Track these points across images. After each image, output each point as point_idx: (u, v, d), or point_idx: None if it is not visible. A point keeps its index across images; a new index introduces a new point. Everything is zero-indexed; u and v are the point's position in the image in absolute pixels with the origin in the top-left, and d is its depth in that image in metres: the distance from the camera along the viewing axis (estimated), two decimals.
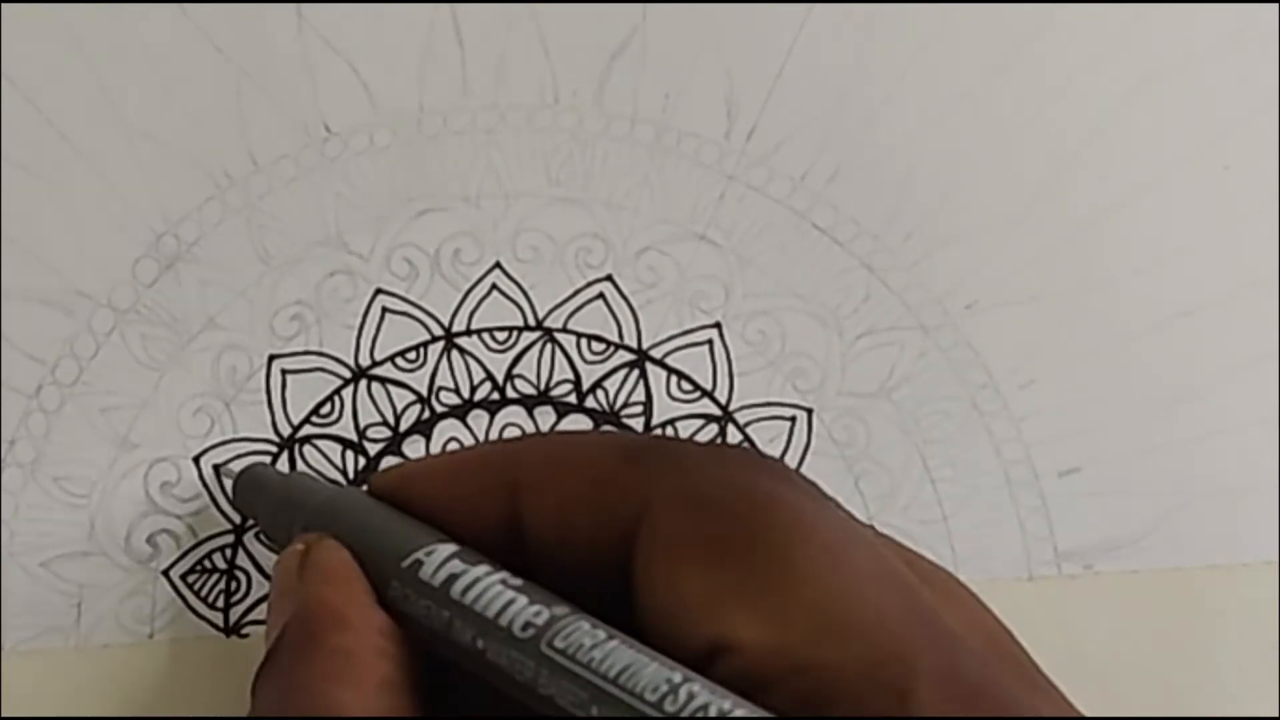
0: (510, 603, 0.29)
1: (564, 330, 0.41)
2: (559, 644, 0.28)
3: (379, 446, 0.40)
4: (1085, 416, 0.42)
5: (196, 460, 0.39)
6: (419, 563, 0.30)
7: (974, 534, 0.41)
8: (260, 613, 0.39)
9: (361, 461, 0.40)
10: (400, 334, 0.40)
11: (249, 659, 0.39)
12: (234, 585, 0.39)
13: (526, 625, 0.28)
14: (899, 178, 0.42)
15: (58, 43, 0.40)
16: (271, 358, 0.40)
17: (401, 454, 0.40)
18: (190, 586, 0.39)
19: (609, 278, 0.41)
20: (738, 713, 0.26)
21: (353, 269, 0.40)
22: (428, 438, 0.40)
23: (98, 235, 0.39)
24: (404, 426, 0.40)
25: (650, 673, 0.27)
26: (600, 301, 0.41)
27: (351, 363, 0.40)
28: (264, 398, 0.40)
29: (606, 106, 0.41)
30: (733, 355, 0.41)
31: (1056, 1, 0.42)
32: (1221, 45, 0.43)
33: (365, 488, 0.34)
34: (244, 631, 0.39)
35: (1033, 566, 0.41)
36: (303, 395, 0.40)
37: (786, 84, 0.42)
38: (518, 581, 0.30)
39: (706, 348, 0.41)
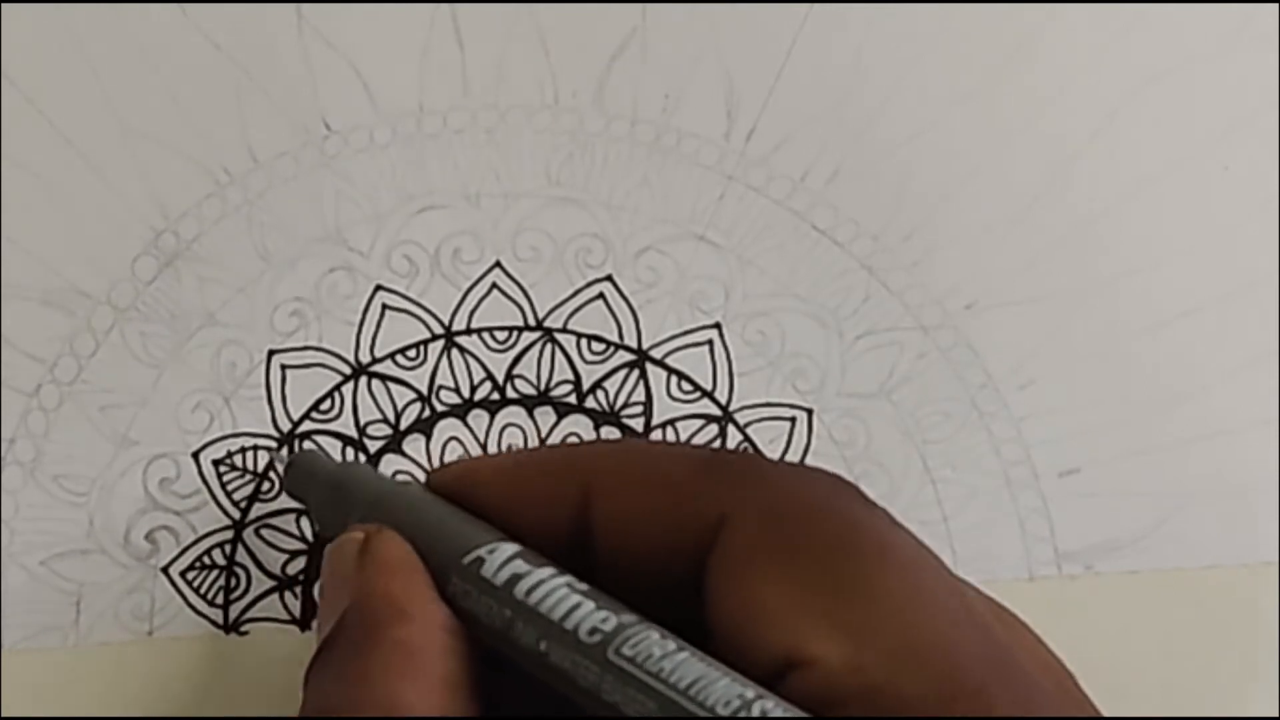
0: (576, 607, 0.28)
1: (564, 330, 0.41)
2: (627, 652, 0.27)
3: (379, 444, 0.40)
4: (1085, 417, 0.42)
5: (196, 456, 0.39)
6: (480, 560, 0.30)
7: (974, 534, 0.41)
8: (259, 609, 0.39)
9: (362, 458, 0.40)
10: (400, 331, 0.40)
11: (248, 656, 0.39)
12: (233, 582, 0.39)
13: (593, 630, 0.28)
14: (899, 178, 0.42)
15: (58, 43, 0.40)
16: (271, 353, 0.40)
17: (402, 452, 0.40)
18: (190, 583, 0.39)
19: (609, 278, 0.41)
20: None
21: (352, 265, 0.40)
22: (428, 436, 0.40)
23: (97, 233, 0.39)
24: (404, 424, 0.40)
25: (722, 687, 0.26)
26: (600, 301, 0.41)
27: (351, 359, 0.40)
28: (264, 393, 0.40)
29: (606, 107, 0.41)
30: (733, 355, 0.41)
31: (1056, 1, 0.42)
32: (1221, 45, 0.43)
33: (424, 482, 0.34)
34: (243, 629, 0.39)
35: (1033, 567, 0.41)
36: (302, 391, 0.40)
37: (786, 84, 0.42)
38: (583, 586, 0.29)
39: (706, 348, 0.41)
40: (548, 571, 0.29)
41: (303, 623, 0.39)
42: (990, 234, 0.42)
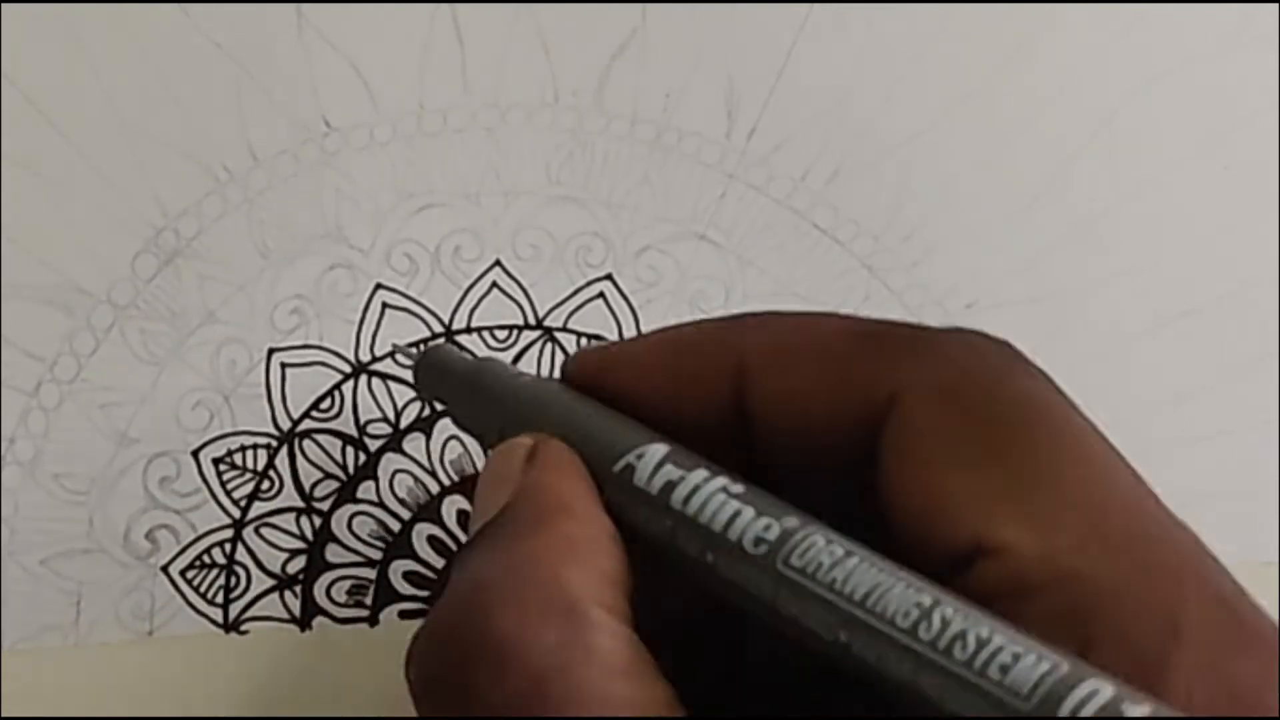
0: (736, 515, 0.27)
1: (564, 329, 0.41)
2: (795, 562, 0.26)
3: (379, 443, 0.40)
4: None
5: (196, 455, 0.39)
6: (630, 467, 0.29)
7: None
8: (259, 609, 0.39)
9: (362, 457, 0.40)
10: (400, 330, 0.40)
11: (248, 656, 0.39)
12: (233, 581, 0.39)
13: (758, 540, 0.26)
14: (899, 178, 0.42)
15: (58, 42, 0.40)
16: (271, 351, 0.40)
17: (403, 451, 0.40)
18: (190, 582, 0.39)
19: (609, 277, 0.41)
20: (996, 639, 0.24)
21: (353, 263, 0.40)
22: (428, 435, 0.40)
23: (97, 231, 0.39)
24: (404, 423, 0.40)
25: (899, 595, 0.25)
26: (600, 301, 0.41)
27: (351, 357, 0.40)
28: (263, 392, 0.40)
29: (607, 105, 0.41)
30: None
31: (1056, 1, 0.42)
32: (1221, 45, 0.43)
33: (560, 375, 0.32)
34: (243, 628, 0.39)
35: None
36: (302, 390, 0.40)
37: (786, 84, 0.42)
38: (739, 488, 0.28)
39: None
40: (702, 475, 0.28)
41: (302, 622, 0.39)
42: (990, 234, 0.42)
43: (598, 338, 0.41)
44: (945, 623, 0.24)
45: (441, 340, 0.40)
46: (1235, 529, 0.42)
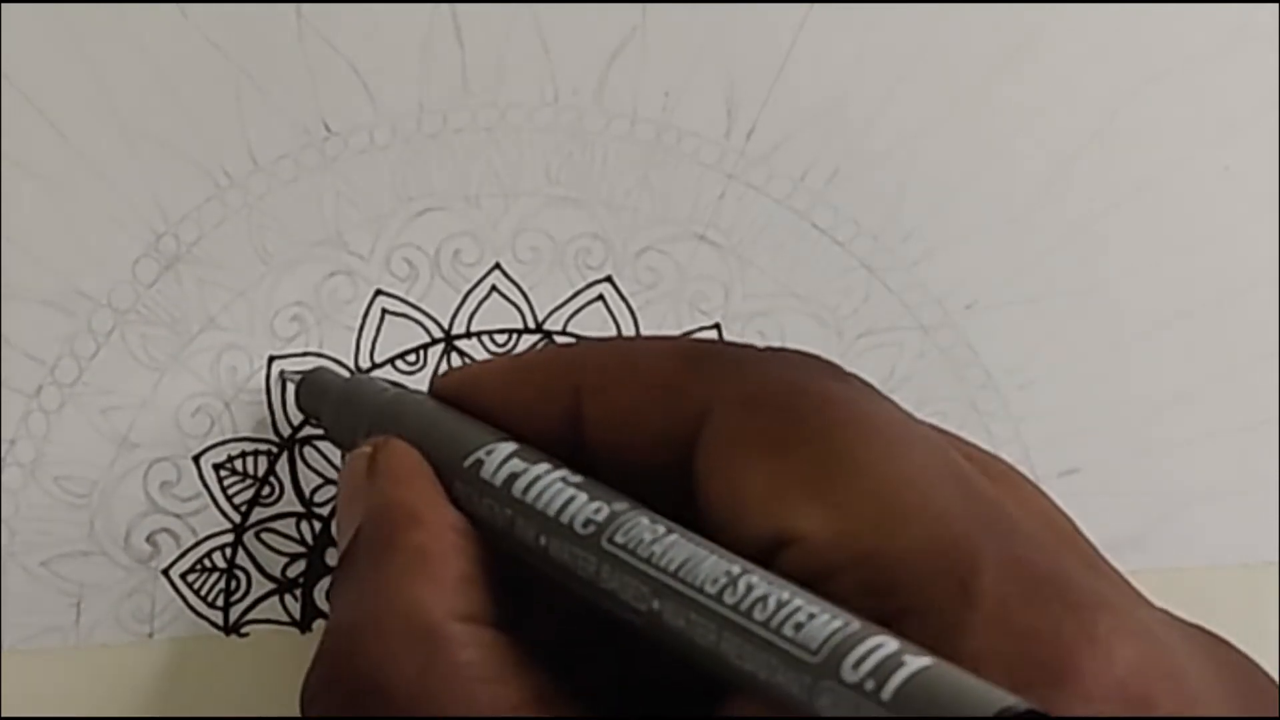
0: (570, 500, 0.29)
1: (564, 333, 0.41)
2: (619, 539, 0.28)
3: None
4: (1084, 417, 0.42)
5: (196, 460, 0.39)
6: (479, 462, 0.31)
7: None
8: (259, 612, 0.39)
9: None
10: (400, 336, 0.40)
11: (249, 658, 0.39)
12: (234, 584, 0.39)
13: (587, 522, 0.29)
14: (899, 178, 0.42)
15: (58, 43, 0.40)
16: (271, 358, 0.40)
17: None
18: (190, 585, 0.39)
19: (609, 279, 0.41)
20: (795, 601, 0.26)
21: (353, 269, 0.40)
22: None
23: (97, 235, 0.39)
24: None
25: (709, 565, 0.27)
26: (600, 303, 0.41)
27: (351, 364, 0.40)
28: (264, 398, 0.40)
29: (606, 105, 0.41)
30: None
31: (1056, 1, 0.42)
32: (1221, 45, 0.43)
33: (428, 390, 0.34)
34: (244, 631, 0.39)
35: None
36: None
37: (786, 84, 0.42)
38: (578, 479, 0.30)
39: None
40: (544, 467, 0.30)
41: (303, 625, 0.39)
42: (990, 234, 0.42)
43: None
44: (749, 587, 0.26)
45: (323, 363, 0.40)
46: (1235, 529, 0.42)
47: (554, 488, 0.30)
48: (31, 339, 0.39)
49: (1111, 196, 0.42)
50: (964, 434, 0.41)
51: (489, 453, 0.31)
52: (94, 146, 0.39)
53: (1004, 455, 0.41)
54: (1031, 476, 0.40)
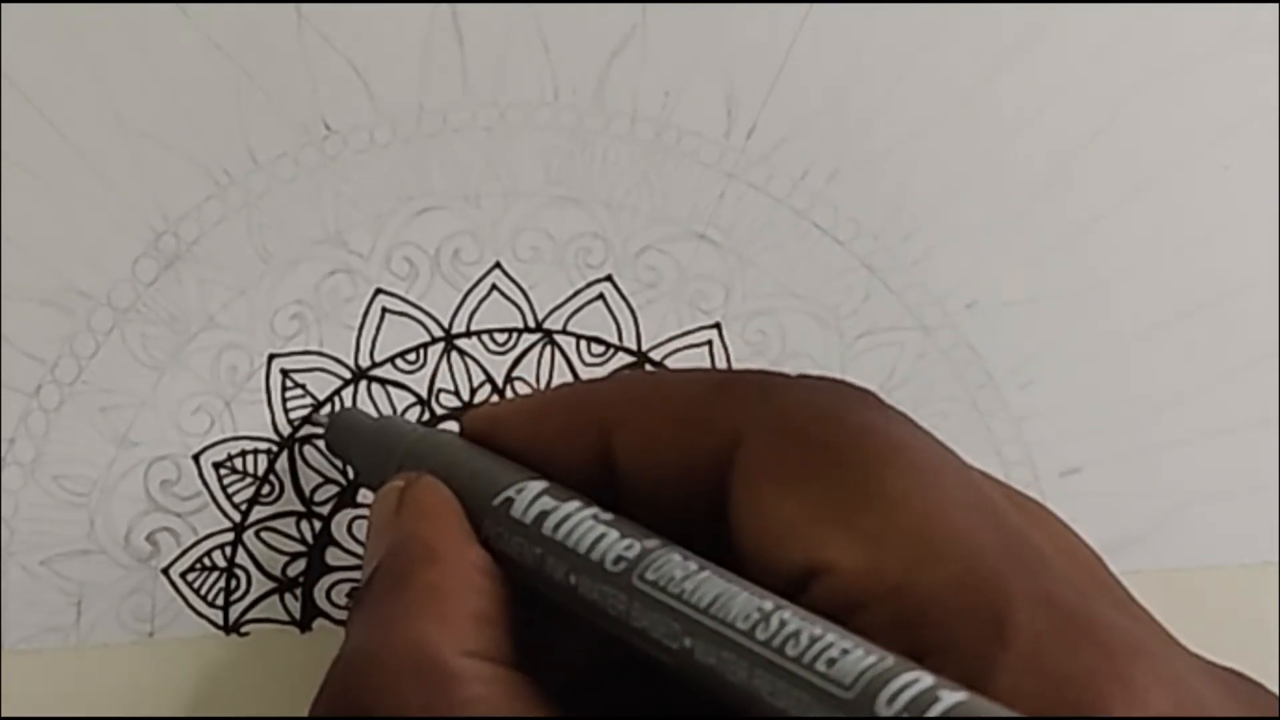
0: (601, 537, 0.29)
1: (564, 332, 0.41)
2: (650, 576, 0.28)
3: None
4: (1085, 417, 0.42)
5: (196, 459, 0.39)
6: (509, 500, 0.31)
7: None
8: (259, 611, 0.39)
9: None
10: (400, 335, 0.40)
11: (249, 657, 0.39)
12: (234, 583, 0.39)
13: (618, 559, 0.29)
14: (899, 178, 0.42)
15: (58, 43, 0.40)
16: (271, 357, 0.40)
17: None
18: (190, 585, 0.39)
19: (609, 278, 0.41)
20: (828, 637, 0.25)
21: (352, 268, 0.40)
22: None
23: (97, 234, 0.39)
24: None
25: (741, 601, 0.27)
26: (600, 303, 0.41)
27: (351, 363, 0.40)
28: (264, 397, 0.40)
29: (606, 105, 0.41)
30: (733, 355, 0.41)
31: (1056, 1, 0.42)
32: (1221, 45, 0.43)
33: (457, 429, 0.34)
34: (244, 630, 0.39)
35: None
36: (303, 395, 0.40)
37: (786, 83, 0.42)
38: (608, 516, 0.30)
39: (706, 348, 0.41)
40: (574, 505, 0.30)
41: (302, 624, 0.39)
42: (990, 234, 0.42)
43: (597, 340, 0.41)
44: (782, 624, 0.26)
45: (350, 406, 0.40)
46: (1235, 529, 0.42)
47: (584, 525, 0.30)
48: (31, 338, 0.39)
49: (1111, 196, 0.42)
50: (964, 434, 0.41)
51: (519, 491, 0.31)
52: (94, 145, 0.39)
53: (1004, 455, 0.41)
54: (1032, 476, 0.41)
